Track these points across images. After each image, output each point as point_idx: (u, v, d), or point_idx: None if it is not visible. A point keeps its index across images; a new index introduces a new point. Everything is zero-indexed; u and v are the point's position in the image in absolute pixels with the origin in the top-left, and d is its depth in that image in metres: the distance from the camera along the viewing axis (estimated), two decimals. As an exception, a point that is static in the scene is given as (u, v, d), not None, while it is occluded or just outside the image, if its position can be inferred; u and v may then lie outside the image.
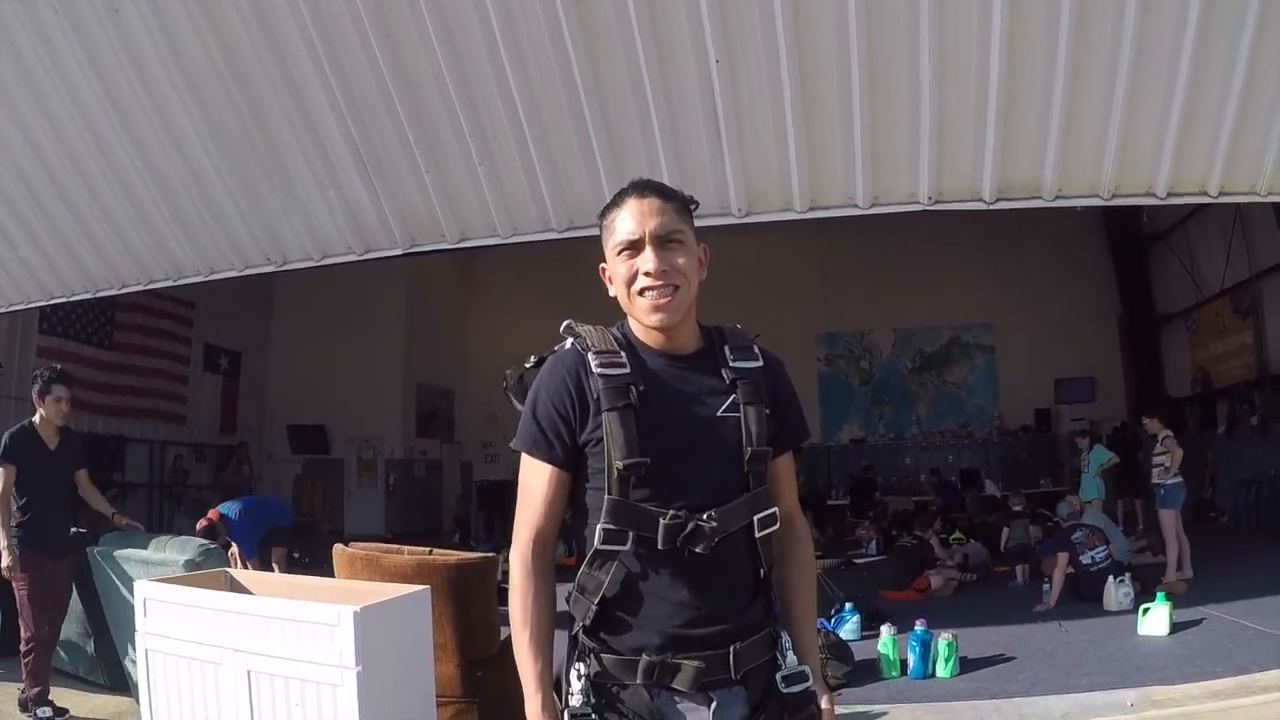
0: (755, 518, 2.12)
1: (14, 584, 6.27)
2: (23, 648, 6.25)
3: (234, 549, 9.42)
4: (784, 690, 2.14)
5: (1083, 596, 9.28)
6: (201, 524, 9.35)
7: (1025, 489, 16.67)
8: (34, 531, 6.25)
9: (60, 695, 6.35)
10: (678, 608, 2.05)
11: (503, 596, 5.68)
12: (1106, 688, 6.50)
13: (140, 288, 9.80)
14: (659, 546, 2.02)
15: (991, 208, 7.16)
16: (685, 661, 2.03)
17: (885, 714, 6.34)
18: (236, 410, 20.59)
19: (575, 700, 2.06)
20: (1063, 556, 9.47)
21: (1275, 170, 6.80)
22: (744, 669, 2.08)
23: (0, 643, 7.02)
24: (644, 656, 2.04)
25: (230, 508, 9.86)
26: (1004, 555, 11.83)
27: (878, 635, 7.55)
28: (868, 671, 7.24)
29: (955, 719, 6.21)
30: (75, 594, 6.78)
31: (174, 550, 6.39)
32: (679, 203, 2.16)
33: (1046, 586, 9.50)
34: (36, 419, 6.54)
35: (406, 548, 5.75)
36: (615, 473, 2.01)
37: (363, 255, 8.48)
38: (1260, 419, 15.60)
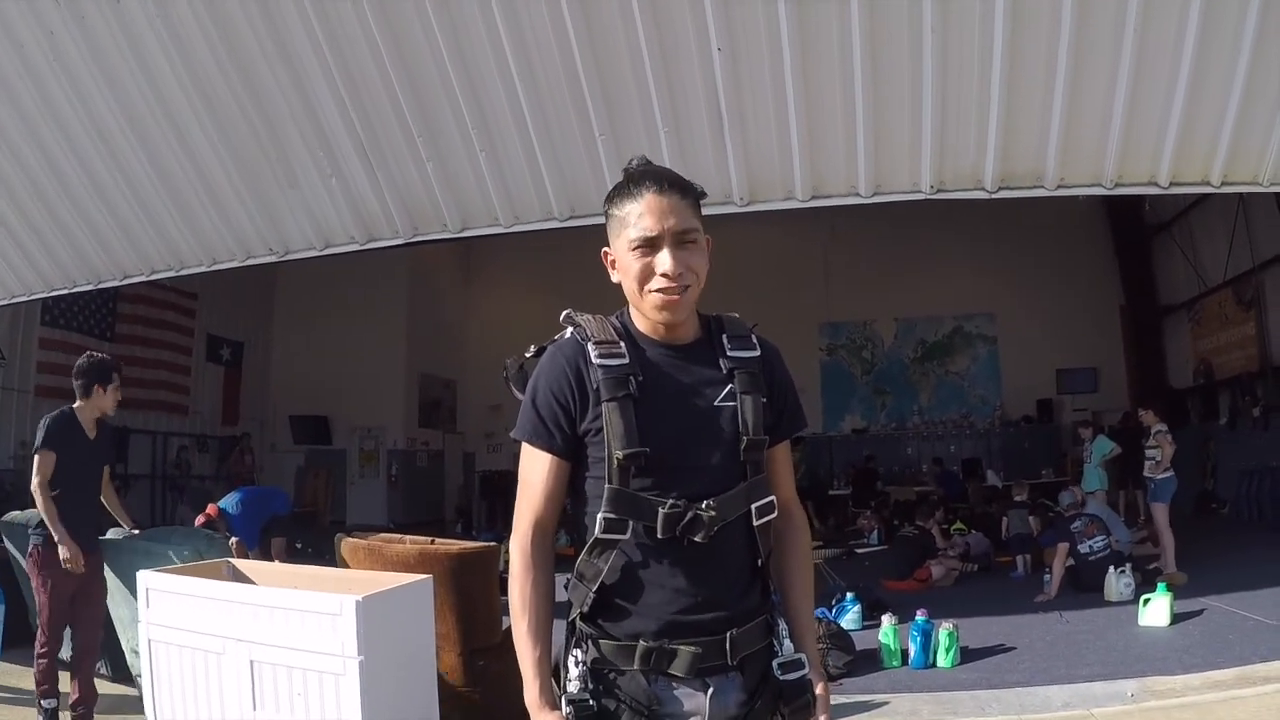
0: (753, 506, 2.12)
1: (36, 580, 5.99)
2: (37, 650, 5.92)
3: (235, 541, 9.41)
4: (780, 678, 2.15)
5: (1083, 587, 9.29)
6: (200, 520, 9.38)
7: (1027, 479, 16.68)
8: (66, 524, 5.84)
9: (62, 682, 6.27)
10: (675, 595, 2.06)
11: (504, 585, 5.72)
12: (1107, 678, 6.51)
13: (143, 278, 9.79)
14: (659, 535, 2.02)
15: (994, 197, 7.15)
16: (682, 647, 2.03)
17: (886, 703, 6.34)
18: (239, 401, 20.59)
19: (573, 686, 2.07)
20: (1062, 546, 9.48)
21: (1278, 160, 6.79)
22: (740, 655, 2.09)
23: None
24: (641, 642, 2.04)
25: (228, 501, 9.88)
26: (1005, 545, 11.84)
27: (879, 625, 7.56)
28: (869, 661, 7.25)
29: (956, 708, 6.22)
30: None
31: (177, 540, 6.39)
32: (693, 197, 2.14)
33: (1048, 576, 9.51)
34: (78, 405, 6.11)
35: (409, 537, 5.77)
36: (615, 462, 2.02)
37: (365, 244, 8.47)
38: (1262, 410, 15.60)
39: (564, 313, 2.23)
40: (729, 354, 2.17)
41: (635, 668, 2.05)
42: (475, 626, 5.37)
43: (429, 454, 22.63)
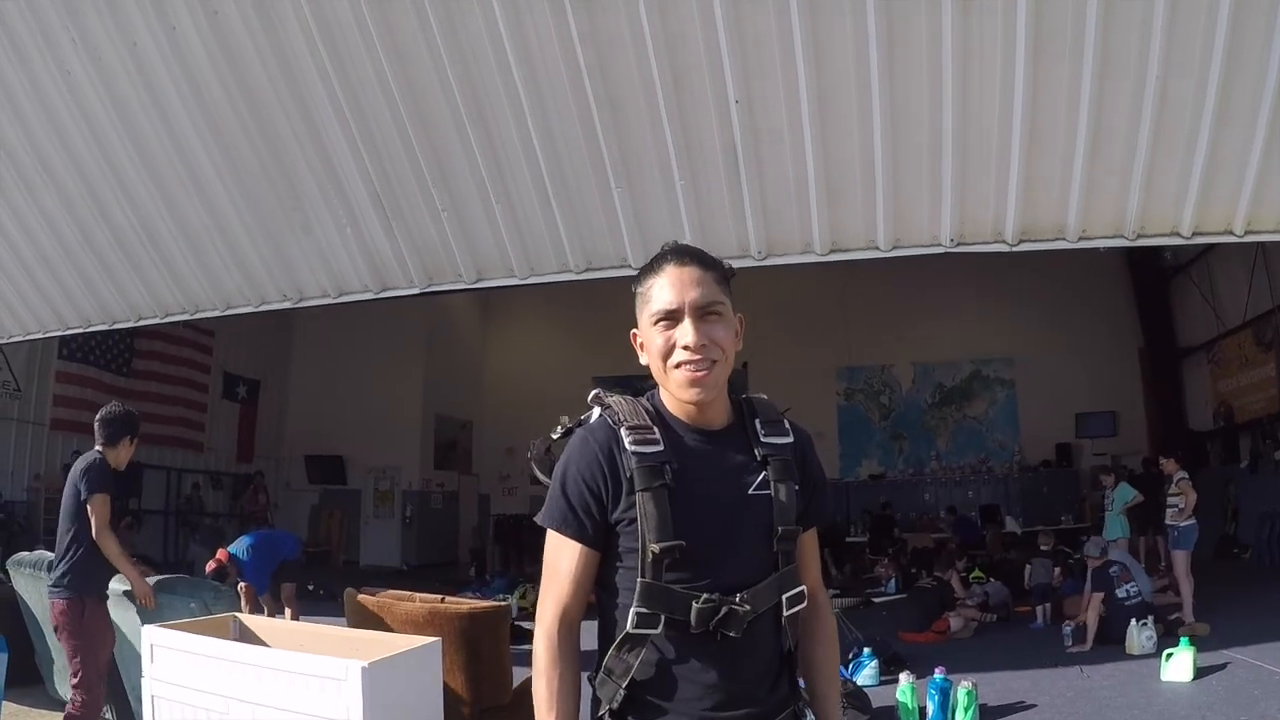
0: (784, 597, 2.07)
1: (71, 643, 5.69)
2: (78, 711, 5.67)
3: (243, 586, 9.36)
4: None
5: (1108, 636, 9.15)
6: (211, 566, 9.33)
7: (1046, 525, 16.54)
8: (95, 576, 5.74)
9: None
10: (707, 690, 1.99)
11: (515, 635, 5.63)
12: (1129, 738, 6.40)
13: (156, 321, 9.84)
14: (692, 630, 1.96)
15: (1015, 250, 7.10)
16: None
17: (904, 765, 6.25)
18: (254, 439, 20.64)
19: None
20: (1096, 596, 9.35)
21: (1301, 209, 6.75)
22: None
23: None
24: None
25: (239, 546, 9.82)
26: (1026, 594, 11.70)
27: (896, 681, 7.44)
28: (886, 720, 7.14)
29: (975, 772, 6.12)
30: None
31: (184, 591, 6.32)
32: (718, 272, 2.09)
33: (1067, 629, 9.38)
34: (105, 451, 5.95)
35: (418, 595, 5.71)
36: (649, 555, 1.95)
37: (379, 294, 8.49)
38: (1284, 453, 15.44)
39: (592, 392, 2.17)
40: (763, 440, 2.11)
41: None
42: (485, 686, 5.31)
43: (444, 495, 22.56)
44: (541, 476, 2.18)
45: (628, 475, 2.00)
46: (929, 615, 10.90)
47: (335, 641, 4.76)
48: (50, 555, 6.12)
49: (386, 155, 7.56)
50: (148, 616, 5.35)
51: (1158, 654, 8.16)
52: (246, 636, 4.99)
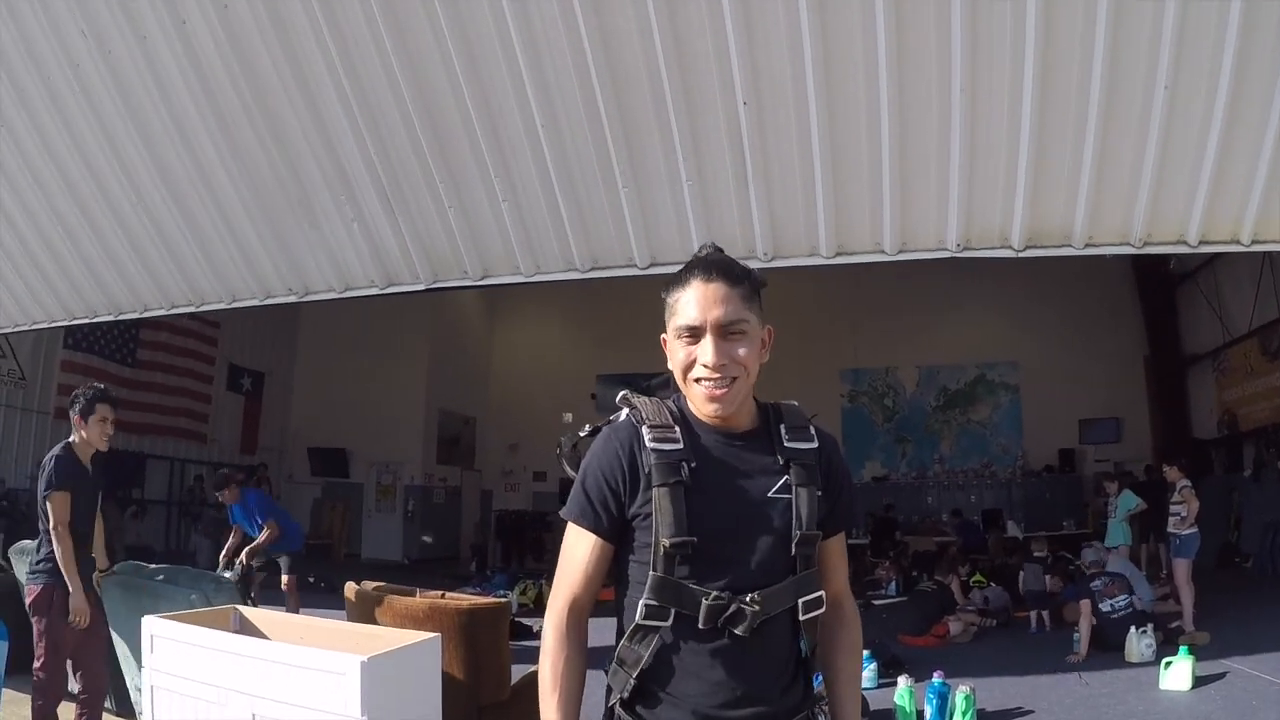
0: (800, 601, 2.08)
1: (37, 626, 5.76)
2: (34, 699, 5.73)
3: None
4: None
5: (1105, 646, 9.13)
6: (227, 494, 10.12)
7: (1048, 531, 16.55)
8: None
9: (66, 712, 6.16)
10: (715, 687, 2.02)
11: (514, 632, 5.63)
12: (1127, 747, 6.40)
13: (162, 313, 9.85)
14: (700, 626, 1.99)
15: (1021, 255, 7.09)
16: None
17: (901, 769, 6.25)
18: (258, 431, 20.69)
19: None
20: (1085, 604, 9.35)
21: (1310, 220, 6.73)
22: None
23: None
24: None
25: (256, 494, 10.23)
26: (1022, 600, 11.70)
27: (894, 685, 7.44)
28: (884, 723, 7.13)
29: (972, 776, 6.12)
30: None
31: (184, 582, 6.32)
32: (746, 286, 2.10)
33: (1077, 635, 9.38)
34: (75, 440, 5.93)
35: (419, 590, 5.71)
36: (661, 550, 1.99)
37: (385, 289, 8.48)
38: (1288, 462, 15.43)
39: (621, 393, 2.22)
40: (786, 445, 2.13)
41: None
42: (484, 682, 5.30)
43: (446, 490, 22.62)
44: (570, 472, 2.24)
45: (646, 471, 2.04)
46: (929, 619, 10.90)
47: (335, 635, 4.76)
48: None
49: (393, 151, 7.56)
50: (148, 607, 5.35)
51: (1157, 662, 8.13)
52: (247, 629, 4.99)
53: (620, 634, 2.09)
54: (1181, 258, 16.94)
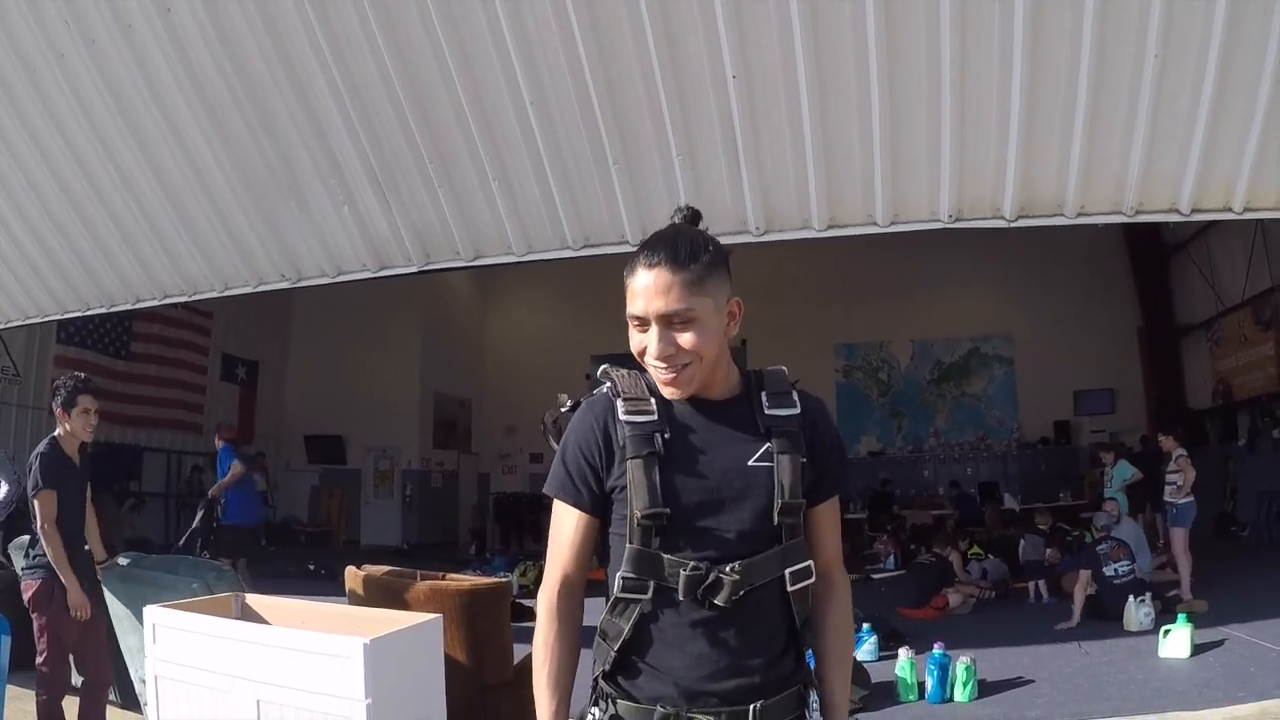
0: (787, 571, 2.06)
1: (37, 622, 5.73)
2: (38, 693, 5.71)
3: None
4: None
5: (1104, 613, 9.18)
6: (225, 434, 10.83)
7: (1045, 502, 16.58)
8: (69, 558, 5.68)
9: (71, 706, 6.15)
10: (697, 660, 2.00)
11: (515, 613, 5.65)
12: (1127, 713, 6.42)
13: (155, 303, 9.82)
14: (679, 597, 1.98)
15: (1013, 225, 7.09)
16: (701, 716, 1.99)
17: (903, 739, 6.28)
18: (254, 420, 20.61)
19: None
20: (1084, 573, 9.39)
21: (1301, 185, 6.73)
22: None
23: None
24: (660, 707, 2.00)
25: (227, 449, 10.86)
26: (1020, 570, 11.75)
27: (895, 657, 7.47)
28: (885, 695, 7.15)
29: (973, 745, 6.15)
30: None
31: (185, 571, 6.33)
32: (695, 270, 2.00)
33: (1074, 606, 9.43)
34: (60, 434, 5.87)
35: (420, 572, 5.72)
36: (635, 522, 1.98)
37: (377, 273, 8.46)
38: (1283, 431, 15.47)
39: (601, 367, 2.20)
40: (767, 412, 2.11)
41: None
42: (487, 663, 5.33)
43: (444, 475, 22.59)
44: (554, 444, 2.23)
45: (621, 444, 2.04)
46: (928, 591, 10.95)
47: (337, 619, 4.78)
48: None
49: (383, 133, 7.52)
50: (149, 597, 5.35)
51: (1155, 630, 8.19)
52: (249, 615, 5.01)
53: (606, 605, 2.09)
54: (1175, 227, 16.98)
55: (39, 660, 5.72)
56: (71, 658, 5.92)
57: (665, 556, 1.98)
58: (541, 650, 2.07)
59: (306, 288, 9.14)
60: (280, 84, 7.44)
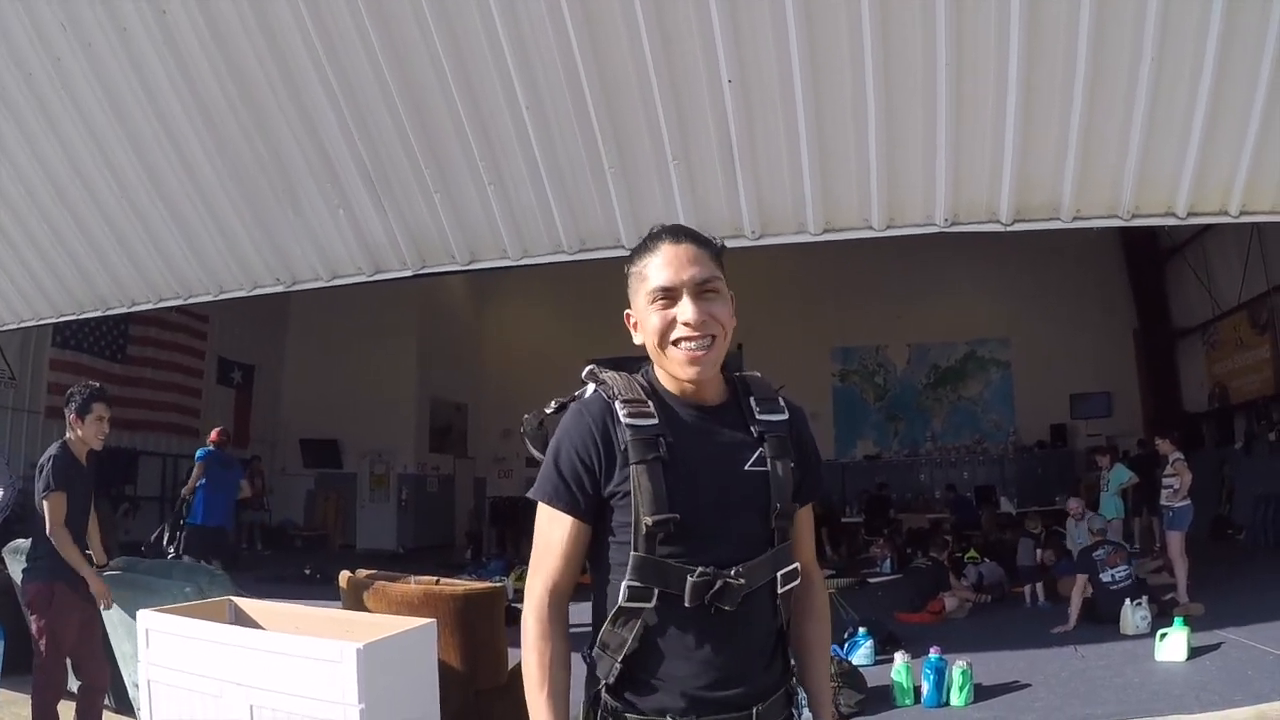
0: (778, 574, 2.07)
1: (35, 625, 5.75)
2: (34, 695, 5.72)
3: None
4: None
5: (1101, 618, 9.17)
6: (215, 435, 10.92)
7: (1041, 506, 16.58)
8: (64, 563, 5.67)
9: (65, 710, 6.14)
10: (702, 667, 1.99)
11: (509, 616, 5.63)
12: (1123, 717, 6.40)
13: (149, 306, 9.80)
14: (686, 604, 1.95)
15: (1009, 229, 7.08)
16: None
17: (899, 744, 6.26)
18: (249, 423, 20.58)
19: None
20: (1081, 578, 9.38)
21: (1296, 189, 6.73)
22: None
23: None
24: (667, 718, 1.98)
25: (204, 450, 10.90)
26: (1019, 574, 11.75)
27: (891, 661, 7.45)
28: (881, 700, 7.13)
29: (970, 750, 6.14)
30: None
31: (179, 575, 6.32)
32: (713, 250, 2.09)
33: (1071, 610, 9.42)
34: (70, 438, 5.93)
35: (414, 577, 5.70)
36: (644, 528, 1.95)
37: (372, 276, 8.46)
38: (1278, 434, 15.48)
39: (587, 368, 2.17)
40: (758, 418, 2.11)
41: None
42: (481, 667, 5.31)
43: (439, 479, 22.60)
44: (535, 452, 2.20)
45: (622, 448, 2.00)
46: (924, 595, 10.92)
47: (331, 624, 4.75)
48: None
49: (378, 136, 7.51)
50: (143, 601, 5.33)
51: (1152, 634, 8.17)
52: (242, 620, 4.98)
53: (598, 616, 2.05)
54: (1171, 230, 17.00)
55: (36, 663, 5.72)
56: (69, 661, 5.92)
57: (670, 563, 1.96)
58: (536, 671, 2.01)
59: (302, 291, 9.13)
60: (276, 87, 7.43)
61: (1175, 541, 10.14)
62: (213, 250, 8.78)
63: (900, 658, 7.33)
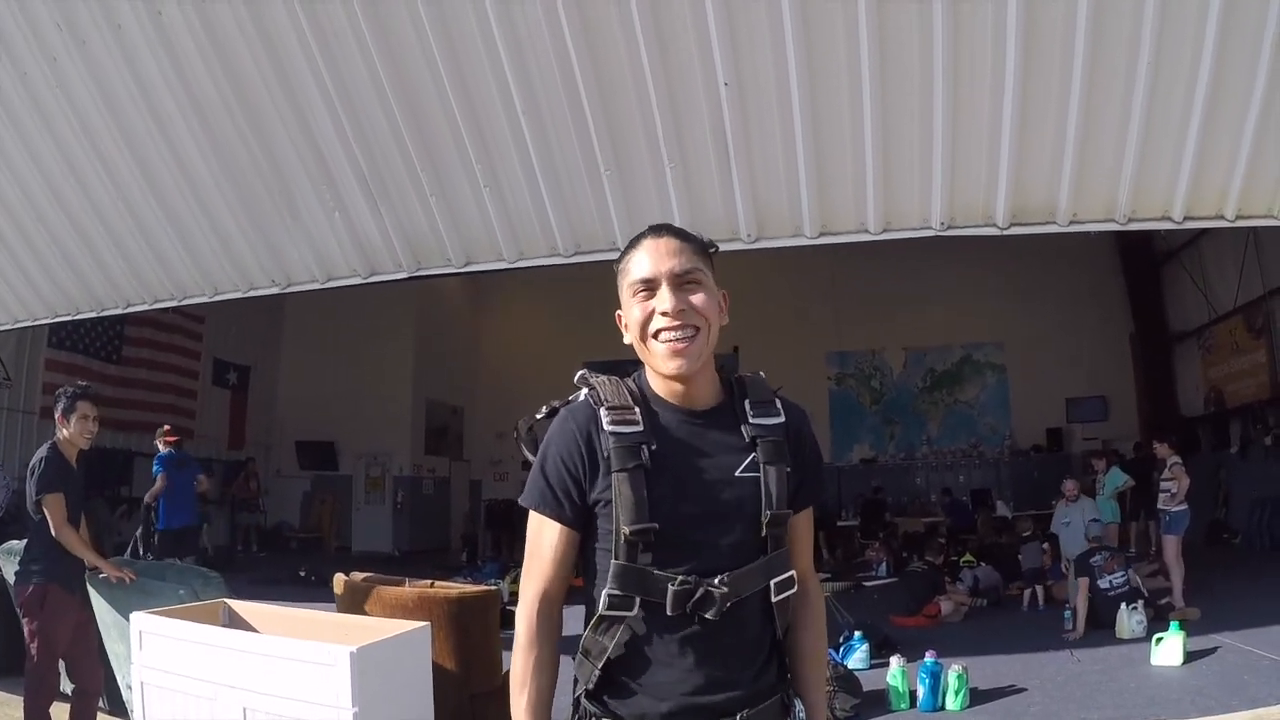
0: (772, 582, 2.03)
1: (29, 627, 5.71)
2: (27, 699, 5.69)
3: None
4: None
5: (1097, 622, 9.18)
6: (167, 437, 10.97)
7: (1037, 509, 16.57)
8: (57, 565, 5.71)
9: (59, 712, 6.11)
10: (686, 674, 1.96)
11: (505, 620, 5.62)
12: (1120, 721, 6.42)
13: (144, 307, 9.78)
14: (667, 612, 1.93)
15: (1005, 233, 7.08)
16: None
17: (894, 748, 6.26)
18: (245, 425, 20.57)
19: None
20: (1083, 582, 9.38)
21: (1293, 193, 6.73)
22: None
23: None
24: None
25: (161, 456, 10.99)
26: (1017, 578, 11.73)
27: (887, 665, 7.45)
28: (876, 703, 7.13)
29: (965, 754, 6.13)
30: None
31: (172, 578, 6.30)
32: (696, 244, 2.08)
33: (1067, 613, 9.41)
34: (59, 439, 5.88)
35: (408, 580, 5.69)
36: (623, 537, 1.93)
37: (367, 278, 8.44)
38: (1274, 439, 15.52)
39: (579, 373, 2.15)
40: (751, 421, 2.07)
41: None
42: (475, 670, 5.30)
43: (435, 481, 22.61)
44: (528, 454, 2.16)
45: (605, 456, 1.98)
46: (920, 599, 10.92)
47: (325, 627, 4.76)
48: None
49: (374, 139, 7.49)
50: (136, 604, 5.32)
51: (1148, 638, 8.19)
52: (236, 623, 4.99)
53: (587, 620, 2.03)
54: (1167, 234, 17.01)
55: (29, 665, 5.69)
56: (62, 664, 5.90)
57: (652, 572, 1.94)
58: (520, 675, 2.01)
59: (298, 293, 9.11)
60: (271, 89, 7.42)
61: (1171, 546, 10.14)
62: (208, 251, 8.76)
63: (896, 662, 7.33)
